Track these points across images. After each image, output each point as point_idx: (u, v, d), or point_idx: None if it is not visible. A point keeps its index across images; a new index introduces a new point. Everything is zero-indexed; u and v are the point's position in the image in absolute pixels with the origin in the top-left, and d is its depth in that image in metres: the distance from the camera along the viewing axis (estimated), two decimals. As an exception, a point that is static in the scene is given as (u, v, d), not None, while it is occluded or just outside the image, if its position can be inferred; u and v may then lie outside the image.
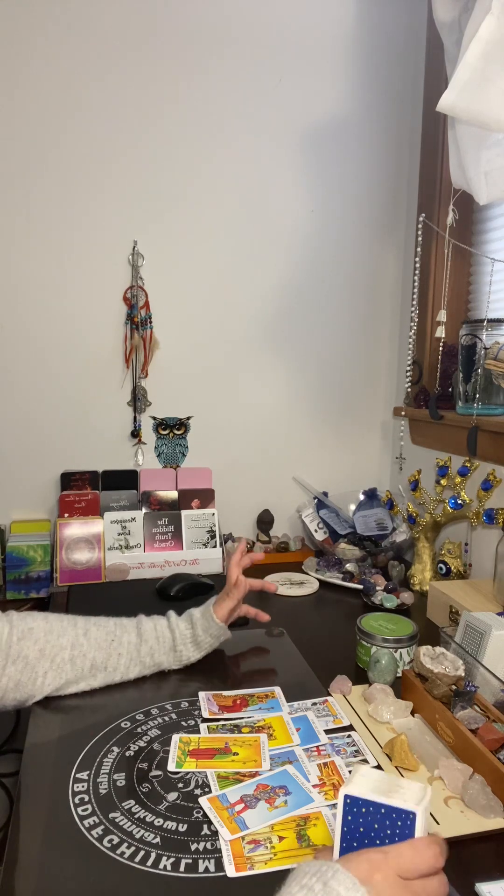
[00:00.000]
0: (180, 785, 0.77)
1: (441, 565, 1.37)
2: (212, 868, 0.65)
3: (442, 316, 1.42)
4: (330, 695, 0.98)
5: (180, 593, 1.35)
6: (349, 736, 0.87)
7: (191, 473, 1.62)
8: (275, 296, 1.63)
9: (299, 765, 0.81)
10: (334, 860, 0.53)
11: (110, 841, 0.68)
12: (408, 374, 1.59)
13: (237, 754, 0.82)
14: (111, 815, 0.71)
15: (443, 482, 1.38)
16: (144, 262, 1.52)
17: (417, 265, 1.54)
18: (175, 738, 0.86)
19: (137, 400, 1.57)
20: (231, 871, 0.64)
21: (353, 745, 0.85)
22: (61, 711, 0.91)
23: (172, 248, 1.54)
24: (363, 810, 0.55)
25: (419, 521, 1.44)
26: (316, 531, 1.62)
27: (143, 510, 1.53)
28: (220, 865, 0.65)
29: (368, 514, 1.62)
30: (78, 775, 0.78)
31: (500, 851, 0.69)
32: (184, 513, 1.54)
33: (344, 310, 1.68)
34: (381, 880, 0.51)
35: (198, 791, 0.76)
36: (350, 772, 0.79)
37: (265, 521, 1.67)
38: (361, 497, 1.67)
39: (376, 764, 0.81)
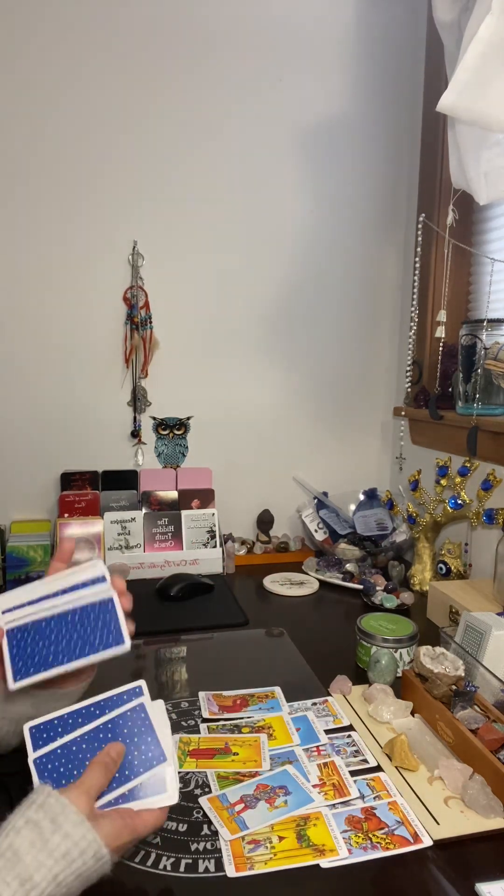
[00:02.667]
0: (180, 785, 0.77)
1: (441, 565, 1.37)
2: (212, 868, 0.65)
3: (442, 316, 1.42)
4: (330, 695, 0.98)
5: (180, 593, 1.35)
6: (349, 736, 0.87)
7: (191, 473, 1.62)
8: (275, 296, 1.63)
9: (299, 765, 0.81)
10: (58, 790, 0.55)
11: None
12: (408, 374, 1.59)
13: (237, 754, 0.82)
14: (111, 815, 0.71)
15: (443, 482, 1.38)
16: (144, 262, 1.52)
17: (417, 265, 1.54)
18: (175, 737, 0.86)
19: (137, 400, 1.57)
20: (231, 871, 0.64)
21: (353, 745, 0.85)
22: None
23: (172, 248, 1.54)
24: None
25: (419, 521, 1.44)
26: (316, 531, 1.62)
27: (143, 510, 1.53)
28: (220, 865, 0.65)
29: (368, 514, 1.62)
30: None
31: (500, 851, 0.69)
32: (184, 513, 1.54)
33: (344, 310, 1.68)
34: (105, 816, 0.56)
35: (198, 791, 0.76)
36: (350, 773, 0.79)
37: (265, 521, 1.67)
38: (361, 497, 1.67)
39: (376, 764, 0.81)
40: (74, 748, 0.61)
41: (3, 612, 0.68)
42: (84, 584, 0.70)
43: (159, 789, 0.61)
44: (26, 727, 0.61)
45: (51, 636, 0.66)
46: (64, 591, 0.69)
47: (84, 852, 0.52)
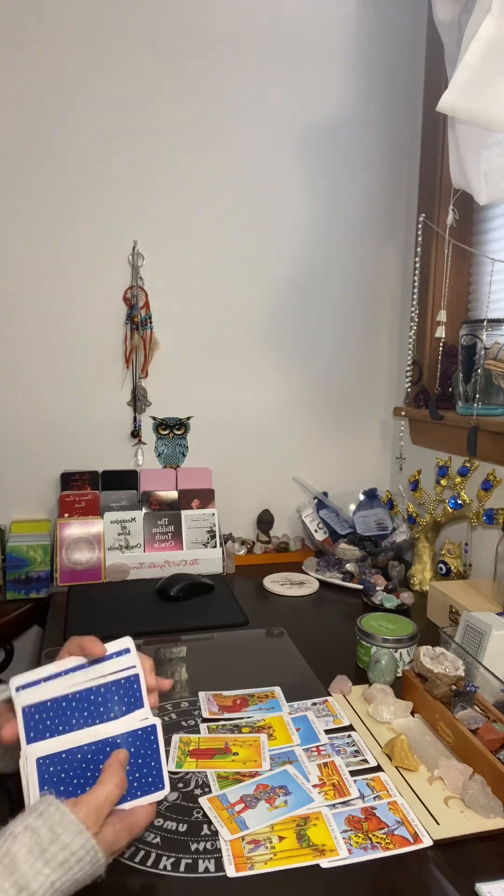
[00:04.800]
0: (180, 785, 0.77)
1: (441, 565, 1.37)
2: (212, 868, 0.65)
3: (442, 316, 1.42)
4: (330, 695, 0.98)
5: (180, 593, 1.35)
6: (349, 736, 0.87)
7: (191, 473, 1.62)
8: (275, 296, 1.63)
9: (299, 765, 0.81)
10: (61, 801, 0.55)
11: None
12: (408, 374, 1.59)
13: (237, 754, 0.82)
14: (111, 815, 0.72)
15: (443, 482, 1.38)
16: (144, 262, 1.52)
17: (417, 265, 1.54)
18: (175, 737, 0.86)
19: (137, 400, 1.57)
20: (231, 871, 0.64)
21: (353, 745, 0.85)
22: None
23: (172, 248, 1.54)
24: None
25: (419, 521, 1.44)
26: (316, 531, 1.62)
27: (143, 510, 1.53)
28: (220, 865, 0.65)
29: (368, 514, 1.62)
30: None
31: (500, 851, 0.69)
32: (184, 513, 1.54)
33: (344, 310, 1.68)
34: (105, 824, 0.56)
35: (198, 791, 0.76)
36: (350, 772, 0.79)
37: (265, 521, 1.67)
38: (361, 497, 1.67)
39: (376, 764, 0.81)
40: (80, 756, 0.60)
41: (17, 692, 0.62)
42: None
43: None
44: (18, 708, 0.61)
45: None
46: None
47: (81, 860, 0.52)
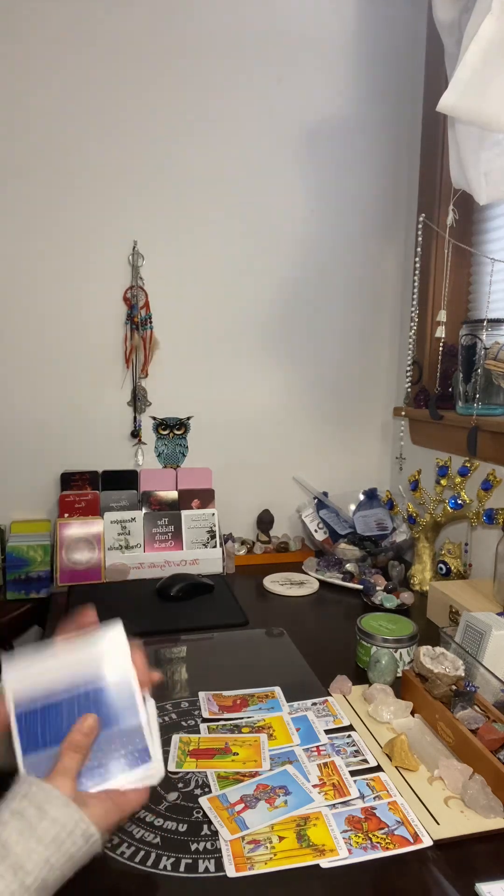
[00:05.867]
0: (180, 785, 0.77)
1: (441, 565, 1.37)
2: (212, 868, 0.65)
3: (442, 316, 1.42)
4: (330, 695, 0.98)
5: (180, 593, 1.35)
6: (349, 736, 0.87)
7: (191, 473, 1.62)
8: (275, 295, 1.63)
9: (299, 765, 0.81)
10: (42, 776, 0.56)
11: (110, 841, 0.68)
12: (408, 374, 1.59)
13: (237, 754, 0.82)
14: (111, 815, 0.71)
15: (443, 482, 1.38)
16: (144, 262, 1.52)
17: (417, 265, 1.54)
18: (175, 737, 0.86)
19: (137, 400, 1.57)
20: (231, 871, 0.64)
21: (353, 745, 0.85)
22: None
23: (172, 248, 1.54)
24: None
25: (419, 521, 1.44)
26: (316, 531, 1.62)
27: (143, 510, 1.53)
28: (220, 865, 0.65)
29: (368, 515, 1.62)
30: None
31: (500, 851, 0.69)
32: (184, 513, 1.54)
33: (344, 310, 1.68)
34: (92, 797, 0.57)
35: (198, 791, 0.76)
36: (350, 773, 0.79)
37: (265, 521, 1.67)
38: (361, 497, 1.67)
39: (376, 764, 0.81)
40: (56, 711, 0.61)
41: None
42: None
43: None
44: (12, 716, 0.61)
45: None
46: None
47: (72, 833, 0.53)
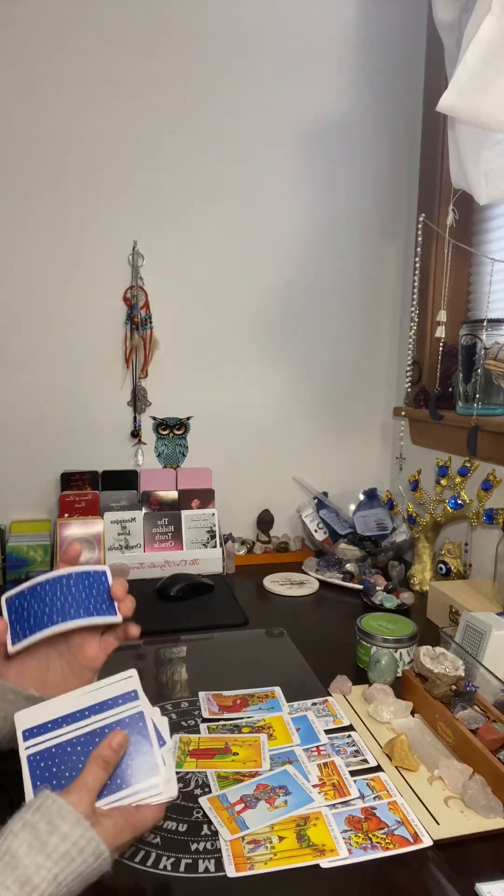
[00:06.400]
0: (180, 785, 0.77)
1: (441, 565, 1.37)
2: (212, 868, 0.65)
3: (442, 316, 1.42)
4: (330, 695, 0.98)
5: (180, 593, 1.35)
6: (349, 736, 0.87)
7: (191, 473, 1.62)
8: (275, 295, 1.63)
9: (299, 765, 0.81)
10: (56, 793, 0.55)
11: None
12: (408, 374, 1.59)
13: (237, 754, 0.82)
14: (111, 815, 0.71)
15: (443, 482, 1.38)
16: (144, 262, 1.52)
17: (417, 265, 1.54)
18: (175, 737, 0.86)
19: (137, 400, 1.57)
20: (231, 871, 0.64)
21: (353, 745, 0.85)
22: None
23: (172, 248, 1.54)
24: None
25: (419, 521, 1.44)
26: (316, 531, 1.62)
27: (143, 510, 1.53)
28: (220, 865, 0.65)
29: (368, 514, 1.62)
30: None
31: (500, 851, 0.69)
32: (184, 513, 1.54)
33: (344, 310, 1.68)
34: (104, 814, 0.56)
35: (198, 791, 0.76)
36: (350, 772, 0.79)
37: (265, 521, 1.67)
38: (361, 497, 1.67)
39: (376, 764, 0.81)
40: (69, 749, 0.60)
41: (24, 738, 0.62)
42: (115, 702, 0.64)
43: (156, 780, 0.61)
44: (19, 730, 0.61)
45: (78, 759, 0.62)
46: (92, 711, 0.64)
47: (83, 851, 0.52)
